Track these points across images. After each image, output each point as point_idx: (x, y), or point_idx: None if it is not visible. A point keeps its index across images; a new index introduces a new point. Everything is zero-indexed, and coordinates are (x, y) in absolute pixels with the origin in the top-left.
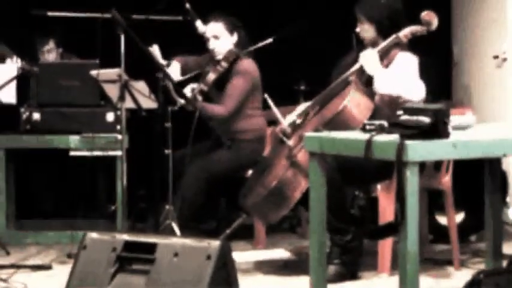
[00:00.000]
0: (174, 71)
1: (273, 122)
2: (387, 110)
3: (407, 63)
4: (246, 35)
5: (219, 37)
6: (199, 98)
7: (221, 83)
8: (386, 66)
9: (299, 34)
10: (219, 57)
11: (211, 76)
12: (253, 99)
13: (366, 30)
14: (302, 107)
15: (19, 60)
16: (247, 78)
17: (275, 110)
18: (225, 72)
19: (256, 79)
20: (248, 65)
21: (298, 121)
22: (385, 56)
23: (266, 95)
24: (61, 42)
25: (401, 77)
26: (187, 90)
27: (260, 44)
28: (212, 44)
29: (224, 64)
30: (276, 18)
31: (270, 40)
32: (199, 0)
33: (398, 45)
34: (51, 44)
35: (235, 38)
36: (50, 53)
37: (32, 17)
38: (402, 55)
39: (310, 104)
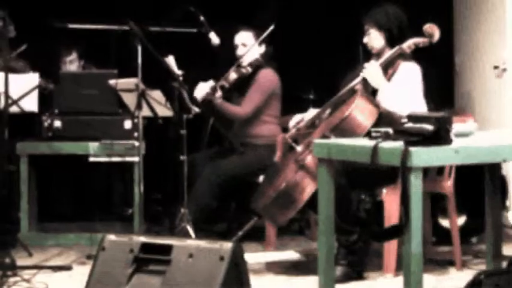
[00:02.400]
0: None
1: (283, 129)
2: (390, 119)
3: (410, 73)
4: (273, 51)
5: (248, 45)
6: (219, 93)
7: (243, 88)
8: (391, 75)
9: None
10: (244, 63)
11: (233, 75)
12: (271, 106)
13: (374, 38)
14: (312, 112)
15: (36, 76)
16: (267, 85)
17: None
18: (247, 78)
19: (275, 88)
20: (270, 73)
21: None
22: (389, 66)
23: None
24: (83, 54)
25: (403, 94)
26: (207, 86)
27: (265, 34)
28: (240, 51)
29: (248, 68)
30: (285, 30)
31: (271, 28)
32: (213, 13)
33: (402, 55)
34: (73, 55)
35: (262, 49)
36: (72, 64)
37: (56, 29)
38: (406, 65)
39: (318, 111)
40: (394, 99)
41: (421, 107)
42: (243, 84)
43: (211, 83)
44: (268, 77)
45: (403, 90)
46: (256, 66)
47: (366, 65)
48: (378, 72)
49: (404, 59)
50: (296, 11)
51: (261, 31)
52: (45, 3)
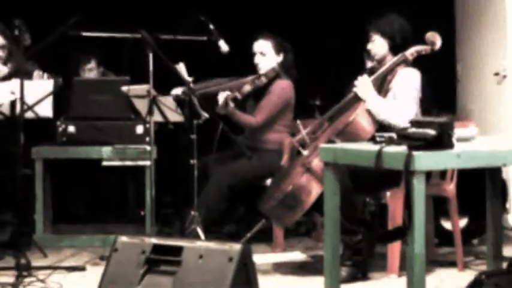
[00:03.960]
0: None
1: (291, 134)
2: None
3: (408, 78)
4: (293, 60)
5: (265, 54)
6: (231, 104)
7: (259, 96)
8: (390, 81)
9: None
10: (261, 72)
11: (247, 87)
12: (284, 117)
13: (378, 45)
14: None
15: (45, 75)
16: (281, 96)
17: (303, 132)
18: (263, 88)
19: (289, 99)
20: (285, 85)
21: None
22: (390, 73)
23: (298, 121)
24: (102, 61)
25: (390, 106)
26: (221, 97)
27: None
28: (257, 59)
29: (263, 79)
30: (291, 36)
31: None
32: (222, 22)
33: (404, 62)
34: (92, 63)
35: (280, 58)
36: (91, 72)
37: (74, 38)
38: (405, 70)
39: (324, 117)
40: (382, 111)
41: (409, 116)
42: (260, 91)
43: (225, 94)
44: (283, 89)
45: (391, 103)
46: (273, 76)
47: (358, 79)
48: (367, 87)
49: (405, 65)
50: (302, 18)
51: (281, 41)
52: (61, 12)
